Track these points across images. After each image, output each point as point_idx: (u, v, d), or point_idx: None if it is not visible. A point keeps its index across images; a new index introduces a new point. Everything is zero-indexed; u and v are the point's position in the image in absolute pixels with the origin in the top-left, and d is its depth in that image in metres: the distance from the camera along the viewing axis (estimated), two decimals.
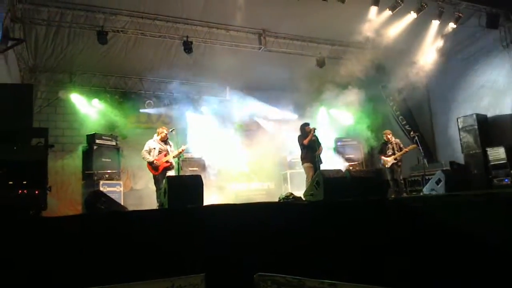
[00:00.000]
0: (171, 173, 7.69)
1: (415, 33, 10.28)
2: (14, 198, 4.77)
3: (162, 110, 11.66)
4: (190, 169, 10.33)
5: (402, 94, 11.93)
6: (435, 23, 10.00)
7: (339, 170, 6.57)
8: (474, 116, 10.36)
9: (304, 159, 8.50)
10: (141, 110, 11.29)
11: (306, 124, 8.71)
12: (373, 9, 9.28)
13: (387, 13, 9.38)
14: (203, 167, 10.77)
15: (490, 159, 9.82)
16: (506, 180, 9.42)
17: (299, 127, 8.88)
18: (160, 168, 7.62)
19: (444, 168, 9.54)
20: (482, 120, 10.38)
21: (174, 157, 7.75)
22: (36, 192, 4.96)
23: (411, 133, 11.54)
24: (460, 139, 10.72)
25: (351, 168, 11.03)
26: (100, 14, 9.26)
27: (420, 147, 9.36)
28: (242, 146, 11.40)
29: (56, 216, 4.21)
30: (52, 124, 10.18)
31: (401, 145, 9.42)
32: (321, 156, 8.47)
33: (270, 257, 3.46)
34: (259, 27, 10.88)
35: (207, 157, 11.02)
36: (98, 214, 4.76)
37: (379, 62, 11.83)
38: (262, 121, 12.51)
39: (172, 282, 2.13)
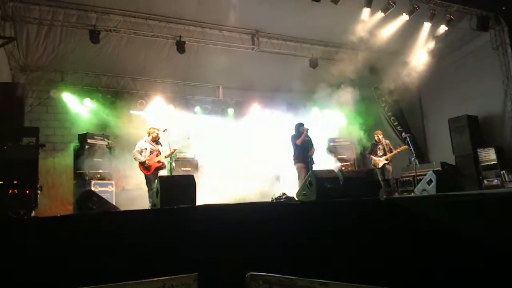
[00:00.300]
0: (163, 173, 7.67)
1: (407, 35, 10.37)
2: (5, 197, 4.73)
3: (154, 110, 11.57)
4: (183, 169, 10.29)
5: (394, 95, 12.02)
6: (426, 25, 10.09)
7: (332, 171, 6.60)
8: (465, 117, 10.46)
9: (296, 159, 8.53)
10: (132, 112, 11.16)
11: (301, 125, 8.74)
12: (366, 11, 9.34)
13: (380, 15, 9.45)
14: (195, 167, 10.73)
15: (480, 160, 9.94)
16: (496, 180, 9.54)
17: (292, 127, 8.91)
18: (152, 168, 7.59)
19: (435, 169, 9.61)
20: (473, 121, 10.50)
21: (166, 157, 7.72)
22: (27, 191, 4.94)
23: (403, 134, 11.60)
24: (451, 140, 10.83)
25: (343, 168, 11.08)
26: (92, 13, 9.20)
27: (412, 148, 9.42)
28: (234, 146, 11.37)
29: (47, 216, 4.18)
30: (43, 124, 10.06)
31: (391, 146, 9.49)
32: (313, 157, 8.52)
33: (262, 256, 3.47)
34: (252, 27, 10.89)
35: (199, 157, 10.99)
36: (90, 214, 4.73)
37: (372, 63, 11.90)
38: (255, 121, 12.50)
39: (164, 282, 2.12)
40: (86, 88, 10.91)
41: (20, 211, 4.67)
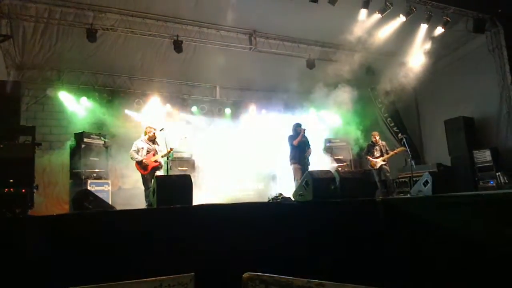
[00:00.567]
0: (160, 172, 7.64)
1: (404, 36, 10.40)
2: (0, 196, 4.71)
3: (151, 109, 11.55)
4: (180, 168, 10.28)
5: (391, 96, 12.05)
6: (423, 27, 10.12)
7: (328, 171, 6.61)
8: (461, 118, 10.51)
9: (292, 159, 8.54)
10: (126, 111, 11.12)
11: (298, 125, 8.74)
12: (363, 12, 9.36)
13: (377, 16, 9.47)
14: (192, 166, 10.73)
15: (476, 161, 9.98)
16: (492, 182, 9.58)
17: (289, 127, 8.91)
18: (149, 168, 7.56)
19: (431, 170, 9.66)
20: (468, 123, 10.55)
21: (162, 156, 7.70)
22: (23, 190, 4.92)
23: (399, 135, 11.68)
24: (447, 141, 10.87)
25: (339, 169, 11.10)
26: (89, 12, 9.17)
27: (408, 149, 9.46)
28: (231, 146, 11.37)
29: (43, 215, 4.17)
30: (40, 122, 10.03)
31: (387, 147, 9.53)
32: (309, 157, 8.53)
33: (259, 256, 3.47)
34: (249, 27, 10.89)
35: (196, 157, 10.99)
36: (86, 213, 4.72)
37: (368, 64, 11.94)
38: (252, 121, 12.51)
39: (161, 282, 2.12)
40: (83, 87, 10.89)
41: (16, 210, 4.65)
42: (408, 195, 8.62)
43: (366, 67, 12.00)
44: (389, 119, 12.78)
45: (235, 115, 12.60)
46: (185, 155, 10.83)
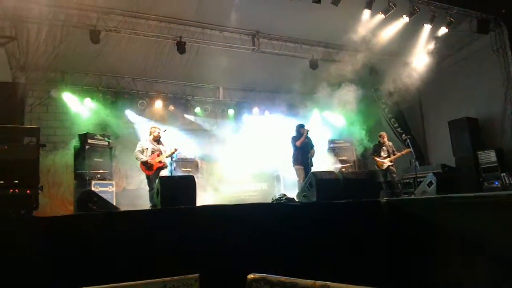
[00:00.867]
0: (165, 173, 7.63)
1: (407, 36, 10.38)
2: (6, 197, 4.73)
3: (155, 110, 11.58)
4: (183, 169, 10.29)
5: (394, 97, 12.01)
6: (427, 27, 10.09)
7: (332, 172, 6.60)
8: (465, 119, 10.46)
9: (295, 161, 8.52)
10: (126, 112, 11.12)
11: (301, 126, 8.73)
12: (366, 12, 9.34)
13: (380, 16, 9.46)
14: (196, 167, 10.74)
15: (481, 162, 9.92)
16: (496, 183, 9.52)
17: (292, 128, 8.91)
18: (154, 168, 7.56)
19: (436, 171, 9.61)
20: (473, 123, 10.50)
21: (166, 157, 7.70)
22: (28, 191, 4.94)
23: (403, 135, 11.65)
24: (451, 142, 10.83)
25: (343, 170, 11.08)
26: (93, 13, 9.20)
27: (412, 150, 9.43)
28: (235, 147, 11.39)
29: (47, 216, 4.18)
30: (44, 123, 10.07)
31: (394, 148, 9.50)
32: (313, 158, 8.51)
33: (263, 257, 3.47)
34: (252, 28, 10.89)
35: (200, 158, 11.00)
36: (90, 214, 4.73)
37: (372, 64, 11.91)
38: (255, 122, 12.52)
39: (165, 283, 2.12)
40: (87, 88, 10.94)
41: (21, 211, 4.67)
42: (413, 196, 8.59)
43: (369, 68, 11.97)
44: (393, 119, 12.75)
45: (238, 116, 12.62)
46: (189, 156, 10.84)
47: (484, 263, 3.88)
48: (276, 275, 2.00)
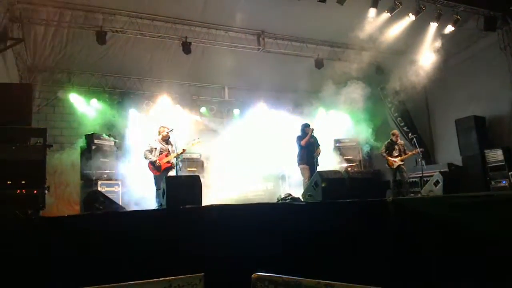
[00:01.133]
0: (172, 173, 7.58)
1: (414, 35, 10.31)
2: (13, 197, 4.77)
3: (161, 110, 11.62)
4: (189, 169, 10.32)
5: (401, 95, 11.95)
6: (433, 25, 10.02)
7: (337, 171, 6.59)
8: (472, 118, 10.38)
9: (300, 160, 8.50)
10: (130, 111, 11.14)
11: (306, 125, 8.71)
12: (372, 11, 9.29)
13: (386, 15, 9.41)
14: (201, 167, 10.76)
15: (488, 161, 9.85)
16: (504, 182, 9.44)
17: (297, 127, 8.89)
18: (162, 169, 7.53)
19: (442, 170, 9.55)
20: (480, 122, 10.41)
21: (174, 157, 7.66)
22: (35, 191, 4.97)
23: (410, 134, 11.56)
24: (458, 141, 10.75)
25: (349, 169, 11.05)
26: (99, 14, 9.26)
27: (419, 149, 9.39)
28: (240, 146, 11.39)
29: (54, 216, 4.21)
30: (51, 124, 10.18)
31: (405, 147, 9.46)
32: (318, 158, 8.48)
33: (268, 257, 3.47)
34: (258, 28, 10.89)
35: (205, 158, 11.02)
36: (97, 214, 4.76)
37: (378, 63, 11.86)
38: (261, 122, 12.52)
39: (170, 282, 2.13)
40: (93, 89, 11.02)
41: (28, 211, 4.71)
42: (419, 195, 8.55)
43: (375, 66, 11.93)
44: (399, 118, 12.67)
45: (244, 115, 12.62)
46: (194, 155, 10.87)
47: (491, 262, 3.86)
48: (281, 274, 2.00)
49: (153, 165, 7.57)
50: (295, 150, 8.80)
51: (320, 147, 8.66)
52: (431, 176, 8.37)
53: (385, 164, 9.46)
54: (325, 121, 12.91)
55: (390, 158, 9.23)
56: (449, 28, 10.07)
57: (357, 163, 11.93)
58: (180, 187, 5.29)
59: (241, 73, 11.46)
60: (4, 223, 3.58)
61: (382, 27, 9.87)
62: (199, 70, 11.48)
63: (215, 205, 4.60)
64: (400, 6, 9.08)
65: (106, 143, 9.69)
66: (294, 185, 10.34)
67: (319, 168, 8.12)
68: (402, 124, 12.59)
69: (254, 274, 2.00)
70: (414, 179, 10.60)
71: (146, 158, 7.61)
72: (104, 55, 10.32)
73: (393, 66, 11.46)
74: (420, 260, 4.26)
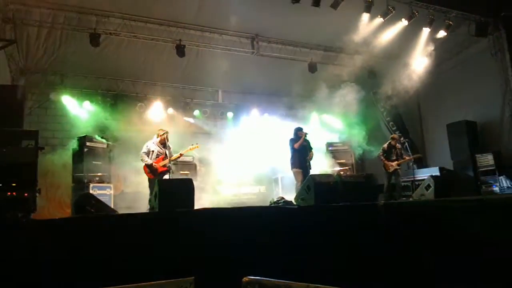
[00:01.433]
0: (168, 177, 7.53)
1: (406, 40, 10.41)
2: (3, 200, 4.74)
3: (154, 113, 11.58)
4: (181, 172, 10.27)
5: (393, 100, 12.03)
6: (425, 31, 10.13)
7: (330, 175, 6.62)
8: (464, 122, 10.49)
9: (293, 164, 8.49)
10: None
11: (299, 129, 8.71)
12: (365, 16, 9.37)
13: (379, 20, 9.49)
14: (194, 170, 10.73)
15: (479, 165, 9.94)
16: (494, 186, 9.54)
17: (291, 131, 8.90)
18: (158, 172, 7.48)
19: (434, 174, 9.61)
20: (471, 127, 10.52)
21: (171, 161, 7.61)
22: (26, 194, 4.94)
23: (402, 139, 11.63)
24: (450, 145, 10.85)
25: (341, 173, 11.08)
26: (92, 16, 9.24)
27: (410, 153, 9.46)
28: (233, 150, 11.38)
29: (45, 219, 4.19)
30: (43, 126, 10.06)
31: (402, 152, 9.51)
32: (311, 162, 8.49)
33: (259, 260, 3.48)
34: (252, 31, 10.94)
35: (198, 161, 11.00)
36: (88, 217, 4.73)
37: (370, 68, 11.94)
38: (254, 125, 12.53)
39: (161, 285, 2.13)
40: (86, 91, 10.93)
41: (19, 214, 4.67)
42: (411, 199, 8.60)
43: (368, 71, 12.00)
44: (391, 122, 12.76)
45: (237, 118, 12.62)
46: (187, 158, 10.82)
47: (482, 264, 3.89)
48: (273, 278, 2.01)
49: (149, 168, 7.52)
50: (288, 153, 8.81)
51: (312, 150, 8.67)
52: (423, 180, 8.42)
53: (382, 167, 9.45)
54: (318, 125, 12.96)
55: (387, 162, 9.26)
56: (441, 34, 10.18)
57: (350, 167, 11.97)
58: (172, 191, 5.27)
59: (235, 76, 11.47)
60: None
61: (375, 32, 9.95)
62: (192, 72, 11.47)
63: (207, 208, 4.60)
64: (393, 11, 9.18)
65: (99, 145, 9.62)
66: (287, 188, 10.35)
67: (312, 172, 8.14)
68: (394, 128, 12.67)
69: (245, 278, 2.01)
70: (405, 183, 10.66)
71: (142, 160, 7.56)
72: (98, 57, 10.25)
73: (386, 70, 11.54)
74: (412, 263, 4.29)
